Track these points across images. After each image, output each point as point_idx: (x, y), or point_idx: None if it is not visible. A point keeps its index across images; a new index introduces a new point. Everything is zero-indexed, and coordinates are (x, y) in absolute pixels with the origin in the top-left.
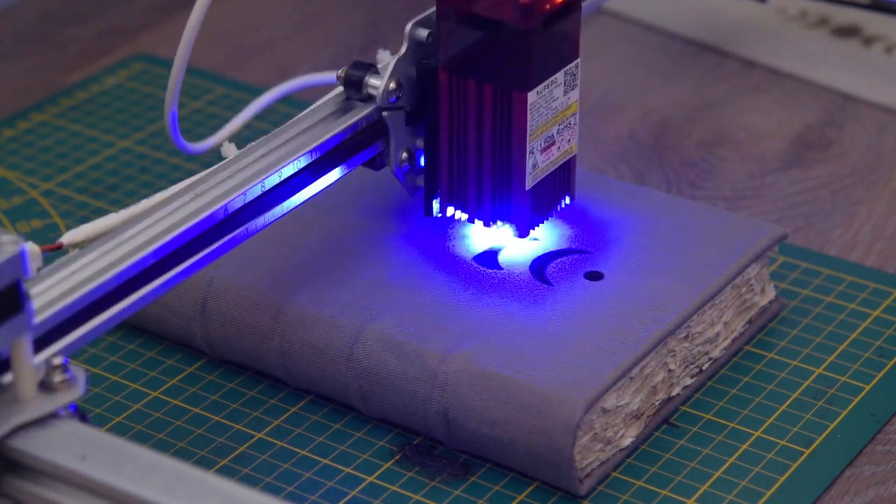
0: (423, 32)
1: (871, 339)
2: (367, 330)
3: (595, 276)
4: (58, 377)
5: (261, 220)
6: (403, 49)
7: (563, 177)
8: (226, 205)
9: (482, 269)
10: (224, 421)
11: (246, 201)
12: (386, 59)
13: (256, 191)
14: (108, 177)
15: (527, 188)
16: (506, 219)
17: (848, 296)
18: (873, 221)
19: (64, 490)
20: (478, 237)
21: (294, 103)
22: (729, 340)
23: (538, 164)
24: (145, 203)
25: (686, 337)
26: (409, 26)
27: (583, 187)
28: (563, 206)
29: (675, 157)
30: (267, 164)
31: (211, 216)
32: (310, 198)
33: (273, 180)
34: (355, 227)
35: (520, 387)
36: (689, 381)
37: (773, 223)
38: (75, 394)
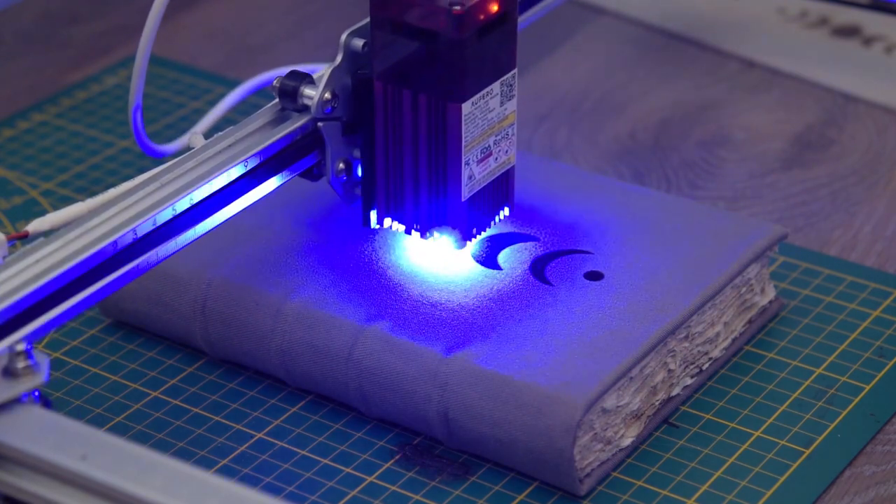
0: (359, 42)
1: (871, 339)
2: (367, 330)
3: (595, 276)
4: (21, 363)
5: (226, 212)
6: (339, 59)
7: (501, 187)
8: (191, 194)
9: (482, 268)
10: (224, 421)
11: (212, 191)
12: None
13: (222, 181)
14: (108, 177)
15: (463, 199)
16: (442, 231)
17: (848, 296)
18: (873, 221)
19: (64, 490)
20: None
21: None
22: (729, 340)
23: (475, 175)
24: (111, 192)
25: (686, 337)
26: (344, 36)
27: (583, 187)
28: (501, 217)
29: (675, 157)
30: (230, 156)
31: (175, 206)
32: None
33: (237, 171)
34: (356, 226)
35: (520, 387)
36: (689, 381)
37: (773, 223)
38: (38, 380)
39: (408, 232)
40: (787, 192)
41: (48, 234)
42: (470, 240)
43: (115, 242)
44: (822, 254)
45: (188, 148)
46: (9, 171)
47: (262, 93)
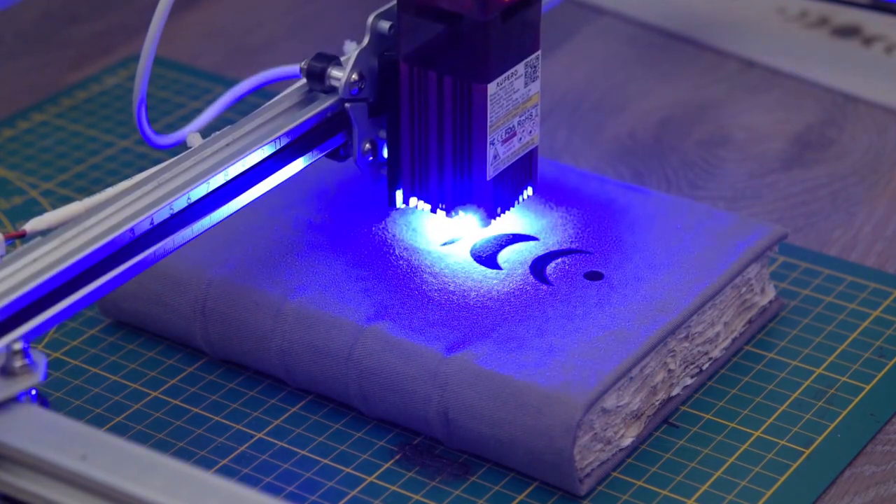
0: (385, 24)
1: (871, 339)
2: (367, 330)
3: (595, 276)
4: (18, 362)
5: (224, 210)
6: (365, 41)
7: (524, 167)
8: (188, 193)
9: (482, 268)
10: (224, 421)
11: (209, 190)
12: (352, 50)
13: (220, 179)
14: (108, 177)
15: (488, 178)
16: (467, 209)
17: (848, 296)
18: (873, 221)
19: (64, 490)
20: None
21: (269, 95)
22: (729, 340)
23: (499, 154)
24: (109, 191)
25: (686, 337)
26: (371, 18)
27: (583, 187)
28: (525, 196)
29: (675, 157)
30: (230, 153)
31: (173, 205)
32: (273, 188)
33: (236, 169)
34: (356, 226)
35: (520, 387)
36: (689, 381)
37: (773, 223)
38: (35, 379)
39: (433, 211)
40: (787, 192)
41: (45, 233)
42: (494, 218)
43: (112, 241)
44: (822, 254)
45: (187, 145)
46: (9, 171)
47: (260, 92)
